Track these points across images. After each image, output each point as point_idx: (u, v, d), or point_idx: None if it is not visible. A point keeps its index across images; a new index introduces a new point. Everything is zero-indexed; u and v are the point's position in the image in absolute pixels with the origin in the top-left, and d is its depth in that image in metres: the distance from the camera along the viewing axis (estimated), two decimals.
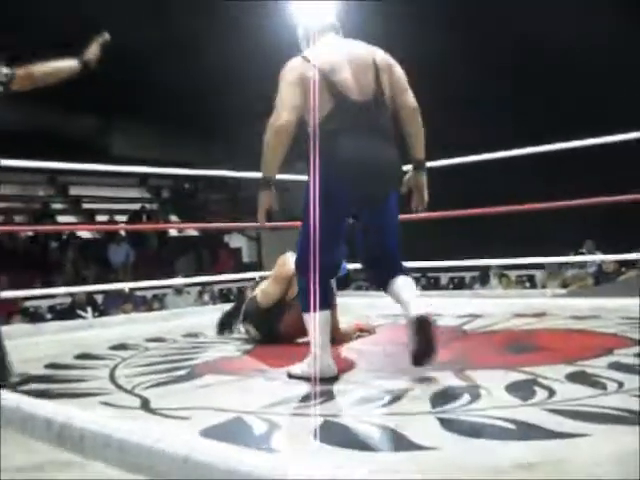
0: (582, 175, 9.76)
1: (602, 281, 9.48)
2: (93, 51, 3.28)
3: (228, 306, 4.75)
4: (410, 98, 3.05)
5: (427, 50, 11.23)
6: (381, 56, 3.04)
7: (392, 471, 0.81)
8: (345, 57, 2.98)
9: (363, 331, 4.22)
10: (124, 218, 16.73)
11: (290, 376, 2.99)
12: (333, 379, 2.86)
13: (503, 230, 10.67)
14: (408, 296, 2.95)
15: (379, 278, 3.10)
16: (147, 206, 18.44)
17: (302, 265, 2.97)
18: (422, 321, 2.82)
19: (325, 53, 3.01)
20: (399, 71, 3.06)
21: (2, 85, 2.98)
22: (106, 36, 3.33)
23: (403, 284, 3.00)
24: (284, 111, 2.87)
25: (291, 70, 2.96)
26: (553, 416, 2.10)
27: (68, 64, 3.18)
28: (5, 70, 3.00)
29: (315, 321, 2.91)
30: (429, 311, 2.86)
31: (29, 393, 2.59)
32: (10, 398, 1.40)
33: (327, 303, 2.98)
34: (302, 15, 3.42)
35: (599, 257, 9.55)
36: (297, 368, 2.99)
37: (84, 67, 3.23)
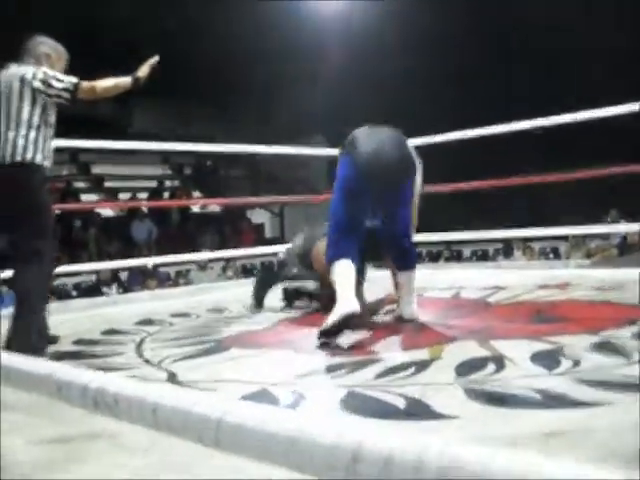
0: (606, 144, 9.68)
1: (626, 252, 9.43)
2: (144, 70, 3.67)
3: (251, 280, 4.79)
4: None
5: (436, 27, 11.18)
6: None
7: (417, 440, 0.82)
8: None
9: (393, 302, 4.19)
10: (146, 196, 16.81)
11: (321, 334, 3.12)
12: (356, 315, 3.13)
13: (527, 201, 10.62)
14: (403, 296, 3.61)
15: (394, 262, 3.65)
16: (168, 183, 18.51)
17: (330, 236, 3.42)
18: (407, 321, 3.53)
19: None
20: None
21: (70, 93, 3.36)
22: (157, 58, 3.74)
23: (404, 281, 3.60)
24: None
25: None
26: (577, 385, 2.11)
27: (123, 82, 3.56)
28: (75, 80, 3.39)
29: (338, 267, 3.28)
30: (417, 316, 3.58)
31: None
32: (45, 366, 1.43)
33: (342, 253, 3.30)
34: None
35: (623, 227, 9.48)
36: (324, 324, 3.12)
37: (135, 84, 3.60)
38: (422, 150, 6.43)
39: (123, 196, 16.58)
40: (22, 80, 3.34)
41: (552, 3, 11.42)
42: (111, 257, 11.84)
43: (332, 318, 3.09)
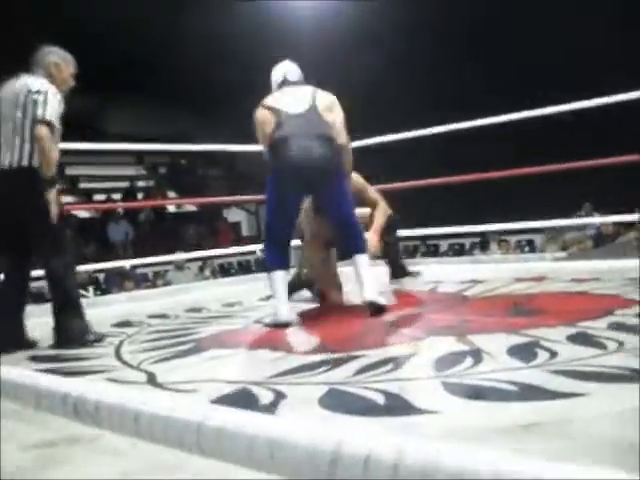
0: (577, 138, 9.76)
1: (601, 243, 9.51)
2: (53, 198, 3.53)
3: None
4: (342, 136, 3.86)
5: (420, 17, 11.22)
6: (322, 95, 3.86)
7: (398, 435, 0.83)
8: (287, 93, 3.87)
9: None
10: (121, 196, 16.71)
11: (265, 325, 3.72)
12: (287, 324, 3.63)
13: (502, 195, 10.68)
14: (364, 278, 3.74)
15: (346, 249, 3.94)
16: (141, 183, 18.42)
17: (267, 237, 3.85)
18: (373, 305, 3.66)
19: (275, 95, 3.93)
20: (338, 108, 3.90)
21: (36, 121, 3.47)
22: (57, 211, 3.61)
23: (359, 264, 3.77)
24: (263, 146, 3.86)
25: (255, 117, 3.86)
26: (554, 377, 2.12)
27: (51, 170, 3.54)
28: (45, 118, 3.47)
29: (273, 278, 3.74)
30: (377, 297, 3.70)
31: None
32: (27, 375, 1.42)
33: (284, 264, 3.79)
34: (272, 75, 4.09)
35: (598, 219, 9.56)
36: (267, 319, 3.77)
37: (49, 180, 3.53)
38: (398, 144, 6.48)
39: (98, 197, 16.50)
40: (29, 91, 3.52)
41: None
42: (87, 259, 11.76)
43: (268, 321, 3.74)
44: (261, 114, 3.83)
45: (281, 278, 3.74)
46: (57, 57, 3.72)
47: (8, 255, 3.73)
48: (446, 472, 0.72)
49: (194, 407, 1.03)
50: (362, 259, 3.79)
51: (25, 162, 3.50)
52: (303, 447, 0.85)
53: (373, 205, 4.73)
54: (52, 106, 3.52)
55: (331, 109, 3.85)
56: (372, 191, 4.82)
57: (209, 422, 0.96)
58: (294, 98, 3.81)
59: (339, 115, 3.89)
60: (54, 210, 3.53)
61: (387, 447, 0.78)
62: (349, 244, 3.84)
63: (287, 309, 3.69)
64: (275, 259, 3.77)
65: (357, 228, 3.88)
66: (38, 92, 3.51)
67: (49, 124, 3.49)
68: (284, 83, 3.98)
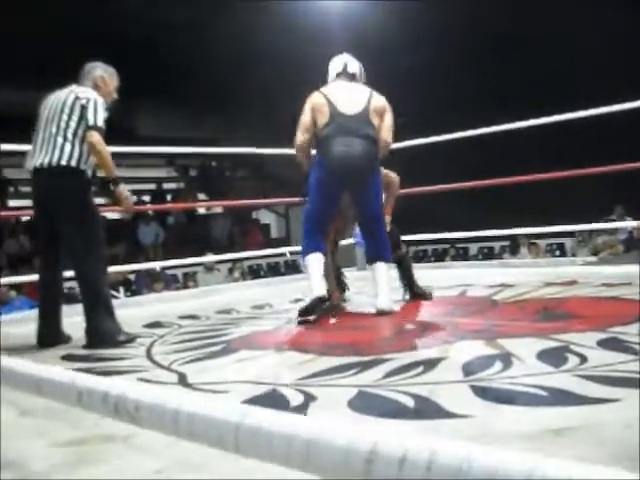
0: (610, 141, 9.68)
1: (633, 247, 9.42)
2: (123, 194, 3.85)
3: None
4: (386, 134, 4.07)
5: (438, 25, 11.19)
6: (377, 98, 4.08)
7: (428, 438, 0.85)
8: (345, 89, 4.08)
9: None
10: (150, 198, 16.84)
11: (299, 315, 3.87)
12: (323, 298, 3.88)
13: (532, 199, 10.61)
14: (381, 287, 3.98)
15: (369, 254, 4.13)
16: (172, 185, 18.53)
17: (305, 224, 4.07)
18: (382, 313, 3.89)
19: (334, 87, 4.12)
20: (390, 114, 4.10)
21: (88, 127, 3.61)
22: (132, 201, 3.98)
23: (378, 272, 4.01)
24: (299, 132, 4.07)
25: (307, 100, 4.08)
26: (585, 382, 2.12)
27: (109, 170, 3.74)
28: (96, 124, 3.63)
29: (310, 260, 3.97)
30: (391, 306, 3.95)
31: None
32: (66, 374, 1.45)
33: (320, 249, 4.01)
34: (331, 64, 4.30)
35: (629, 223, 9.48)
36: (299, 307, 3.94)
37: (112, 183, 3.81)
38: (425, 148, 6.48)
39: None
40: (76, 97, 3.66)
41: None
42: (118, 260, 11.86)
43: (305, 302, 3.91)
44: (317, 101, 4.03)
45: (317, 259, 3.98)
46: (103, 71, 3.88)
47: (45, 254, 3.84)
48: (479, 472, 0.73)
49: (233, 407, 1.05)
50: (382, 267, 4.02)
51: (64, 162, 3.60)
52: (339, 447, 0.86)
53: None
54: (100, 113, 3.66)
55: (382, 113, 4.06)
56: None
57: (247, 421, 0.98)
58: (350, 97, 4.03)
59: (389, 118, 4.10)
60: (128, 203, 3.86)
61: (421, 447, 0.79)
62: (373, 249, 4.10)
63: (321, 287, 3.91)
64: (312, 244, 4.01)
65: (383, 234, 4.11)
66: (87, 99, 3.65)
67: (99, 130, 3.63)
68: (343, 74, 4.18)
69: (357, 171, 3.94)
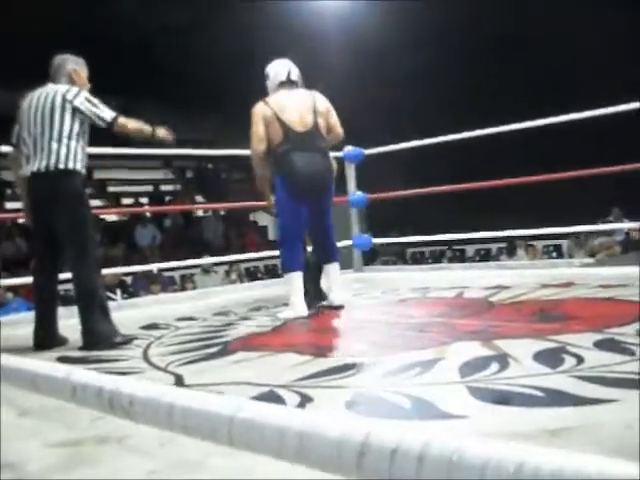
0: (608, 142, 9.69)
1: (630, 249, 9.43)
2: (164, 133, 3.93)
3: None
4: (338, 131, 4.42)
5: (437, 27, 11.21)
6: (320, 101, 4.33)
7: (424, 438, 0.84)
8: (292, 102, 4.23)
9: None
10: (148, 200, 16.85)
11: (282, 318, 4.08)
12: (304, 317, 4.09)
13: (529, 200, 10.63)
14: (335, 284, 4.40)
15: (321, 258, 4.47)
16: (169, 187, 18.54)
17: (282, 242, 4.29)
18: (338, 307, 4.30)
19: (279, 99, 4.26)
20: (333, 112, 4.39)
21: (107, 124, 3.71)
22: (173, 136, 3.98)
23: (333, 271, 4.42)
24: (255, 143, 4.22)
25: (256, 111, 4.24)
26: (581, 383, 2.12)
27: (146, 130, 3.87)
28: (114, 114, 3.73)
29: (291, 278, 4.20)
30: (343, 302, 4.36)
31: None
32: (60, 369, 1.46)
33: (299, 266, 4.23)
34: (272, 69, 4.45)
35: (626, 225, 9.49)
36: (285, 313, 4.15)
37: (151, 136, 3.90)
38: (423, 150, 6.48)
39: (125, 200, 16.63)
40: (64, 98, 3.67)
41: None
42: (115, 262, 11.85)
43: (284, 315, 4.12)
44: (266, 114, 4.20)
45: (298, 277, 4.20)
46: (74, 64, 3.88)
47: (41, 256, 3.85)
48: (470, 464, 0.73)
49: (226, 400, 1.05)
50: (335, 267, 4.44)
51: (61, 165, 3.62)
52: (332, 439, 0.86)
53: None
54: (99, 104, 3.73)
55: (328, 114, 4.34)
56: None
57: (240, 414, 0.98)
58: (299, 111, 4.21)
59: (334, 115, 4.39)
60: (169, 137, 3.95)
61: (413, 439, 0.79)
62: (327, 252, 4.45)
63: (303, 305, 4.15)
64: (292, 260, 4.23)
65: (333, 239, 4.48)
66: (80, 101, 3.68)
67: (115, 117, 3.72)
68: (286, 82, 4.35)
69: (319, 186, 4.26)
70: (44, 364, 1.60)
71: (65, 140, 3.64)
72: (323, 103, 4.35)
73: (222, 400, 1.04)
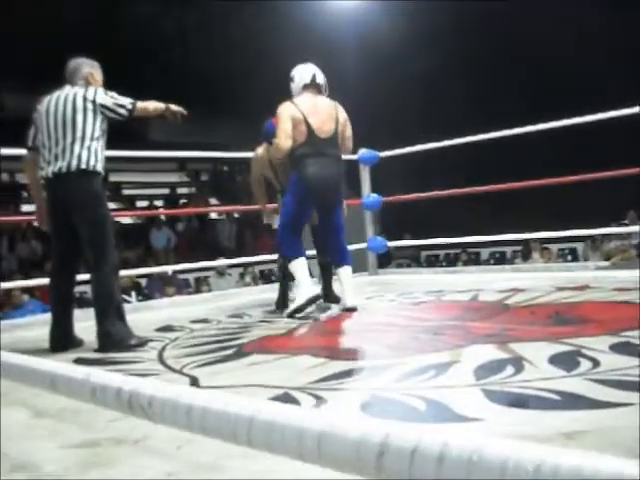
0: (623, 145, 9.64)
1: None
2: (175, 109, 3.98)
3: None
4: (349, 144, 4.62)
5: (445, 31, 11.21)
6: (342, 112, 4.50)
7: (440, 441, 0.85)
8: (318, 107, 4.38)
9: None
10: (163, 203, 16.91)
11: (289, 315, 4.28)
12: (316, 297, 4.33)
13: (545, 203, 10.59)
14: (347, 287, 4.45)
15: (333, 261, 4.62)
16: (181, 190, 18.59)
17: (285, 228, 4.46)
18: (351, 310, 4.36)
19: (307, 102, 4.38)
20: (349, 126, 4.57)
21: (128, 111, 3.77)
22: (183, 114, 4.03)
23: (345, 275, 4.49)
24: (283, 138, 4.32)
25: (283, 110, 4.36)
26: (597, 386, 2.12)
27: (160, 107, 3.94)
28: (132, 100, 3.79)
29: (296, 264, 4.36)
30: (357, 303, 4.43)
31: None
32: (80, 371, 1.47)
33: (300, 252, 4.41)
34: (297, 72, 4.54)
35: None
36: (298, 299, 4.29)
37: (164, 112, 3.95)
38: (438, 152, 6.48)
39: (140, 203, 16.69)
40: (85, 98, 3.71)
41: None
42: (130, 264, 11.90)
43: (298, 301, 4.27)
44: (294, 115, 4.32)
45: (302, 263, 4.39)
46: (90, 67, 3.91)
47: (58, 258, 3.87)
48: (489, 464, 0.73)
49: (246, 402, 1.06)
50: (347, 270, 4.51)
51: (83, 165, 3.66)
52: (351, 440, 0.87)
53: None
54: (118, 96, 3.79)
55: (345, 126, 4.53)
56: None
57: (260, 416, 0.98)
58: (323, 117, 4.37)
59: (349, 129, 4.57)
60: (179, 111, 3.99)
61: (433, 440, 0.79)
62: (338, 255, 4.55)
63: (312, 285, 4.39)
64: (295, 249, 4.42)
65: (344, 242, 4.59)
66: (102, 97, 3.73)
67: (133, 103, 3.78)
68: (311, 85, 4.47)
69: (330, 191, 4.43)
70: (63, 365, 1.61)
71: (87, 142, 3.67)
72: (343, 115, 4.51)
73: (242, 401, 1.05)
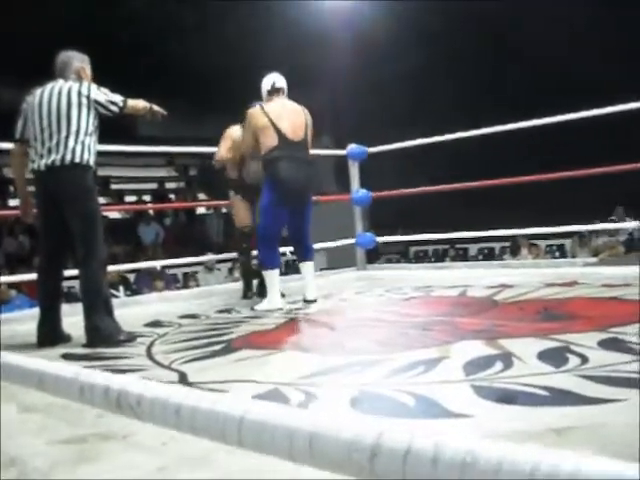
0: (611, 141, 9.68)
1: (633, 249, 9.42)
2: (158, 110, 4.04)
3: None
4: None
5: (437, 27, 11.22)
6: (307, 114, 4.70)
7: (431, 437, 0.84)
8: (285, 110, 4.61)
9: None
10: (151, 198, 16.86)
11: (253, 309, 4.57)
12: (280, 309, 4.49)
13: (533, 199, 10.62)
14: (309, 281, 4.78)
15: (298, 257, 4.93)
16: (172, 185, 18.55)
17: (262, 241, 4.64)
18: (310, 302, 4.69)
19: (275, 107, 4.60)
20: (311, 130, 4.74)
21: (119, 108, 3.81)
22: (164, 115, 4.11)
23: (308, 269, 4.81)
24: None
25: (251, 117, 4.60)
26: (586, 382, 2.12)
27: (145, 106, 3.98)
28: (122, 97, 3.84)
29: (270, 275, 4.62)
30: (317, 296, 4.75)
31: None
32: (68, 369, 1.46)
33: (277, 264, 4.69)
34: (262, 83, 4.80)
35: (630, 224, 9.47)
36: (261, 305, 4.60)
37: (148, 112, 3.99)
38: (426, 148, 6.48)
39: (129, 198, 16.64)
40: (79, 93, 3.73)
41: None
42: (118, 259, 11.86)
43: (262, 306, 4.57)
44: (263, 123, 4.53)
45: (275, 275, 4.64)
46: (80, 61, 3.92)
47: (47, 252, 3.86)
48: (484, 466, 0.73)
49: (236, 401, 1.05)
50: (310, 265, 4.83)
51: (77, 159, 3.67)
52: (343, 440, 0.86)
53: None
54: (109, 93, 3.81)
55: (311, 131, 4.73)
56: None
57: (250, 415, 0.98)
58: (292, 121, 4.57)
59: (311, 130, 4.75)
60: (160, 111, 4.04)
61: (426, 441, 0.79)
62: (303, 252, 4.84)
63: (279, 299, 4.61)
64: (271, 259, 4.65)
65: (309, 239, 4.83)
66: (96, 93, 3.75)
67: (124, 100, 3.82)
68: (273, 91, 4.72)
69: (302, 193, 4.63)
70: (51, 364, 1.59)
71: (82, 136, 3.68)
72: (310, 119, 4.74)
73: (231, 400, 1.04)
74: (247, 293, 5.42)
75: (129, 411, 1.19)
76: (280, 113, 4.57)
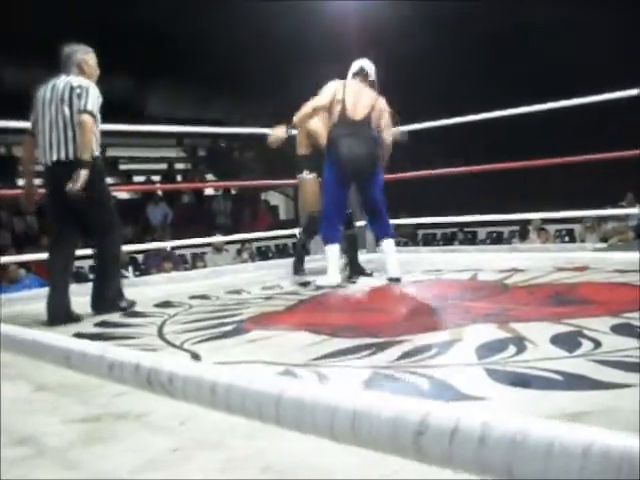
0: (622, 127, 9.62)
1: None
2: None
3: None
4: (386, 133, 4.80)
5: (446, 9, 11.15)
6: (380, 103, 4.74)
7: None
8: (358, 93, 4.67)
9: None
10: (160, 178, 16.85)
11: (317, 286, 4.57)
12: (337, 286, 4.53)
13: (543, 184, 10.57)
14: (390, 259, 4.71)
15: (376, 234, 4.89)
16: (179, 166, 18.54)
17: (324, 217, 4.72)
18: (394, 280, 4.61)
19: (353, 86, 4.71)
20: (387, 116, 4.79)
21: (86, 113, 3.76)
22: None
23: (388, 246, 4.74)
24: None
25: (330, 87, 4.69)
26: (599, 367, 2.12)
27: (91, 146, 3.84)
28: (90, 109, 3.76)
29: (331, 250, 4.65)
30: (400, 276, 4.63)
31: None
32: (95, 346, 1.46)
33: (337, 240, 4.72)
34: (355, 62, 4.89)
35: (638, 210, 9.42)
36: (320, 280, 4.62)
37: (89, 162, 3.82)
38: (435, 131, 6.46)
39: (137, 178, 16.64)
40: (72, 88, 3.79)
41: None
42: (127, 240, 11.87)
43: (320, 282, 4.60)
44: (335, 95, 4.63)
45: (335, 250, 4.67)
46: (84, 53, 3.98)
47: (57, 232, 3.93)
48: (534, 444, 0.73)
49: (273, 378, 1.05)
50: (390, 243, 4.75)
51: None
52: (387, 418, 0.86)
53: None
54: (92, 98, 3.80)
55: (381, 115, 4.73)
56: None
57: (288, 393, 0.97)
58: (358, 102, 4.64)
59: (386, 119, 4.78)
60: (75, 185, 3.68)
61: (473, 420, 0.79)
62: (379, 229, 4.83)
63: (337, 275, 4.62)
64: (332, 234, 4.70)
65: (384, 216, 4.80)
66: (80, 87, 3.80)
67: (91, 114, 3.78)
68: (358, 73, 4.81)
69: (361, 169, 4.63)
70: (78, 341, 1.60)
71: (79, 129, 3.75)
72: (380, 105, 4.75)
73: (269, 378, 1.04)
74: (299, 269, 5.47)
75: (160, 389, 1.19)
76: (354, 92, 4.67)
